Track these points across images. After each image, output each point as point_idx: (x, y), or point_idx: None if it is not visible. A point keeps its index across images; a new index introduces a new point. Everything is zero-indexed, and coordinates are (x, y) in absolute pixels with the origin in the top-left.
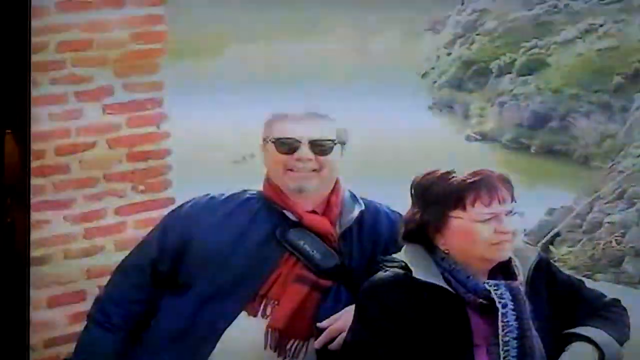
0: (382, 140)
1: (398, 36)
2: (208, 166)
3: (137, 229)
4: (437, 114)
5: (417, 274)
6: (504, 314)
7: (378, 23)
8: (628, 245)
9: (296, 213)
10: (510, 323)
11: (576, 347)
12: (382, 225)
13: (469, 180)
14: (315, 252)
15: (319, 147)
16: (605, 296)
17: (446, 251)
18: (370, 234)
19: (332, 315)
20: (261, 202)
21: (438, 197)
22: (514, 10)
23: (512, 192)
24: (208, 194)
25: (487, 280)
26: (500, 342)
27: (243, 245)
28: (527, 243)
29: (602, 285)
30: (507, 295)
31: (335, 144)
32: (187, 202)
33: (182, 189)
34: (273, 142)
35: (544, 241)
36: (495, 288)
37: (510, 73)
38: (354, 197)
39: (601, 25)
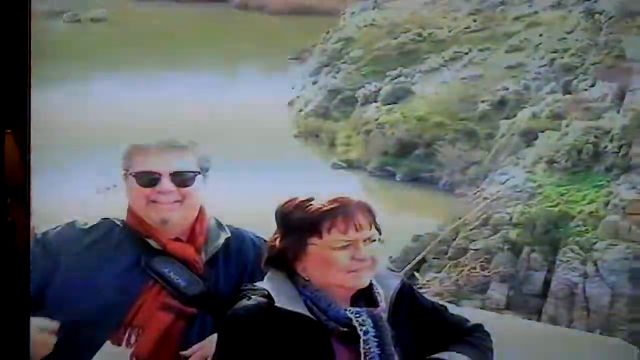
0: (247, 167)
1: (263, 65)
2: (70, 196)
3: None
4: (303, 142)
5: (279, 302)
6: (365, 341)
7: (244, 52)
8: (493, 271)
9: (159, 241)
10: (372, 350)
11: None
12: (248, 252)
13: (325, 208)
14: (179, 279)
15: (181, 179)
16: (469, 321)
17: (307, 278)
18: (237, 261)
19: (197, 343)
20: (125, 232)
21: (295, 224)
22: (379, 38)
23: (371, 219)
24: (72, 222)
25: (349, 308)
26: None
27: (107, 274)
28: (391, 269)
29: (468, 311)
30: (369, 322)
31: (196, 174)
32: (51, 230)
33: (44, 218)
34: (133, 175)
35: (408, 267)
36: (357, 315)
37: (375, 101)
38: (219, 225)
39: (466, 54)
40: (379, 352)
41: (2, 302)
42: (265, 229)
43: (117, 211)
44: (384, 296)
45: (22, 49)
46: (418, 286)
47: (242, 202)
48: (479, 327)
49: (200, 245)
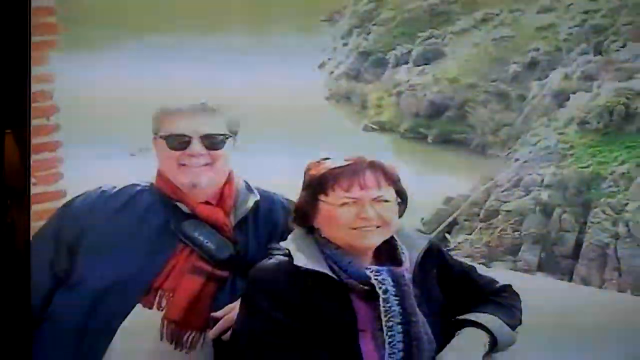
0: (279, 130)
1: (294, 27)
2: (101, 158)
3: None
4: (335, 104)
5: (299, 261)
6: (385, 300)
7: (275, 14)
8: (524, 233)
9: (189, 205)
10: (392, 308)
11: (467, 332)
12: (277, 215)
13: (333, 166)
14: (209, 242)
15: (211, 142)
16: (497, 282)
17: (323, 235)
18: (266, 224)
19: (228, 305)
20: (154, 195)
21: (308, 181)
22: (410, 0)
23: (385, 179)
24: (99, 187)
25: (369, 266)
26: (384, 327)
27: (136, 237)
28: (421, 231)
29: (499, 273)
30: (389, 280)
31: (226, 137)
32: (78, 197)
33: (74, 181)
34: (164, 138)
35: (440, 229)
36: (377, 274)
37: (407, 63)
38: (249, 188)
39: (497, 15)
40: (399, 310)
41: (2, 304)
42: (295, 192)
43: (147, 177)
44: (410, 256)
45: (22, 49)
46: (449, 248)
47: (272, 164)
48: (507, 288)
49: (229, 209)
